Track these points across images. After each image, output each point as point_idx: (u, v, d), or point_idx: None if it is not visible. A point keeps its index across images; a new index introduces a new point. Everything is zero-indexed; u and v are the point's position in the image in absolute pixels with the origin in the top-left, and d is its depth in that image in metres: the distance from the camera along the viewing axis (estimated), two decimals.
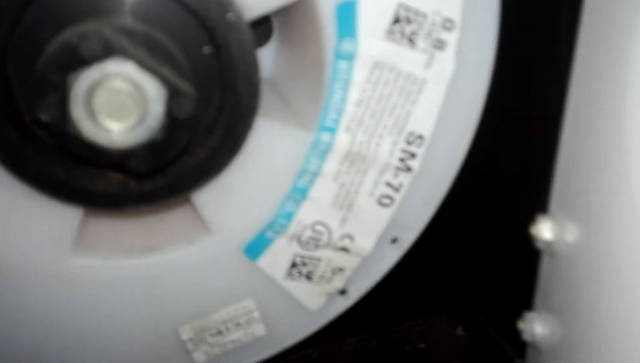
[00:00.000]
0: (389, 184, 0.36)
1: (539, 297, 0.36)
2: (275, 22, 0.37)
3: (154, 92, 0.24)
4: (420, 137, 0.35)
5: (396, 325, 0.62)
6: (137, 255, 0.33)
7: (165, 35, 0.24)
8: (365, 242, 0.38)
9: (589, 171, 0.29)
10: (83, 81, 0.23)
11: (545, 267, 0.35)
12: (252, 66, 0.27)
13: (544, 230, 0.31)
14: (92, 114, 0.24)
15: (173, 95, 0.25)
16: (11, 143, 0.25)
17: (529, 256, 0.37)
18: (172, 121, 0.25)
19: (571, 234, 0.29)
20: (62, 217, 0.29)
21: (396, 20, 0.31)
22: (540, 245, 0.33)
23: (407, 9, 0.31)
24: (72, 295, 0.32)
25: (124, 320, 0.35)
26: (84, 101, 0.23)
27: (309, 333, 0.43)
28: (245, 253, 0.36)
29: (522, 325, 0.35)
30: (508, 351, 0.54)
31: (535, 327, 0.33)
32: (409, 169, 0.36)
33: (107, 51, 0.23)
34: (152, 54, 0.24)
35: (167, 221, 0.34)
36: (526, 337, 0.35)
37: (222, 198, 0.33)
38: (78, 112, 0.23)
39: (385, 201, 0.37)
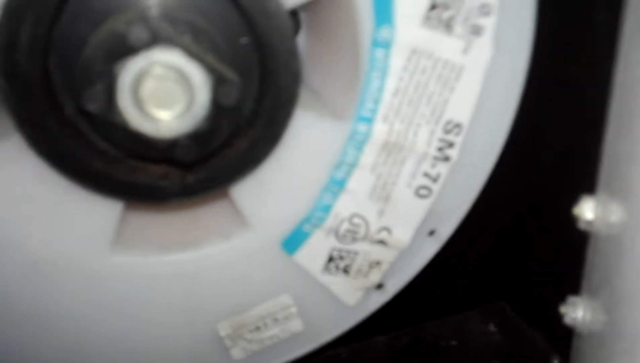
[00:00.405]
0: (426, 175, 0.36)
1: (584, 282, 0.35)
2: (302, 15, 0.36)
3: (200, 80, 0.24)
4: (459, 125, 0.34)
5: (427, 323, 0.61)
6: (175, 250, 0.33)
7: (208, 23, 0.24)
8: (402, 234, 0.38)
9: (636, 152, 0.29)
10: (130, 69, 0.23)
11: (590, 252, 0.34)
12: (293, 54, 0.27)
13: (586, 210, 0.30)
14: (139, 103, 0.23)
15: (219, 82, 0.24)
16: (51, 136, 0.25)
17: (572, 242, 0.37)
18: (218, 110, 0.25)
19: (614, 214, 0.29)
20: (103, 211, 0.29)
21: (433, 6, 0.31)
22: (582, 226, 0.32)
23: None
24: (110, 290, 0.32)
25: (162, 316, 0.35)
26: (130, 90, 0.23)
27: (346, 328, 0.42)
28: (283, 247, 0.36)
29: (563, 309, 0.35)
30: (542, 346, 0.53)
31: (577, 310, 0.33)
32: (447, 158, 0.35)
33: (154, 39, 0.23)
34: (196, 42, 0.24)
35: (204, 216, 0.33)
36: (567, 320, 0.34)
37: (259, 191, 0.32)
38: (125, 102, 0.23)
39: (423, 192, 0.36)
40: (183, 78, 0.24)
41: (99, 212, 0.29)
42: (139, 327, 0.34)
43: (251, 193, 0.32)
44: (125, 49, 0.23)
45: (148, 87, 0.23)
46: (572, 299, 0.34)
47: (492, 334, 0.61)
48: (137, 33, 0.22)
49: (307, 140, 0.32)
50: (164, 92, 0.24)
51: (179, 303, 0.35)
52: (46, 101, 0.24)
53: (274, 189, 0.33)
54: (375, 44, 0.31)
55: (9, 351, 0.31)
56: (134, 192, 0.28)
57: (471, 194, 0.38)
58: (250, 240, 0.34)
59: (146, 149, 0.24)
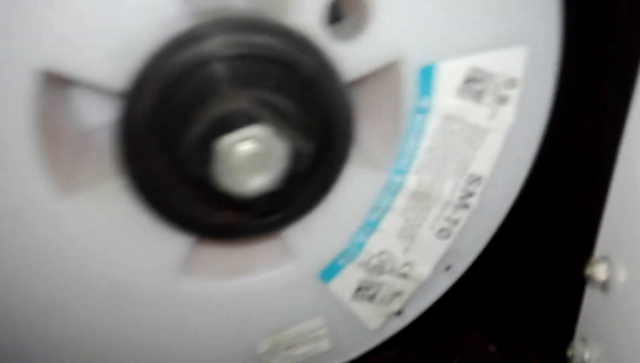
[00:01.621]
0: (448, 219, 0.41)
1: (582, 324, 0.40)
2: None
3: (282, 152, 0.29)
4: (479, 178, 0.39)
5: (432, 340, 0.65)
6: (230, 277, 0.38)
7: (288, 102, 0.29)
8: (423, 269, 0.43)
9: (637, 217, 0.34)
10: (227, 144, 0.28)
11: (590, 298, 0.39)
12: (350, 123, 0.32)
13: (599, 271, 0.35)
14: (231, 170, 0.28)
15: (296, 153, 0.29)
16: (154, 187, 0.30)
17: (567, 285, 0.41)
18: (292, 174, 0.30)
19: (622, 275, 0.34)
20: (178, 245, 0.34)
21: (467, 80, 0.36)
22: (593, 284, 0.37)
23: (477, 70, 0.35)
24: (174, 310, 0.37)
25: (213, 333, 0.40)
26: (225, 160, 0.28)
27: (367, 349, 0.47)
28: (320, 277, 0.41)
29: (570, 352, 0.40)
30: None
31: (585, 353, 0.38)
32: (467, 206, 0.40)
33: (248, 119, 0.28)
34: (280, 119, 0.28)
35: (256, 249, 0.38)
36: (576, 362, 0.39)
37: (305, 230, 0.37)
38: (220, 169, 0.28)
39: (444, 233, 0.41)
40: (268, 150, 0.28)
41: (176, 245, 0.34)
42: (192, 343, 0.39)
43: (298, 231, 0.37)
44: (223, 129, 0.27)
45: (240, 158, 0.28)
46: (577, 343, 0.39)
47: (492, 354, 0.65)
48: (235, 116, 0.27)
49: (351, 188, 0.37)
50: (251, 162, 0.29)
51: (229, 322, 0.39)
52: (158, 162, 0.29)
53: (317, 229, 0.38)
54: (416, 110, 0.36)
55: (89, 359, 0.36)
56: (211, 231, 0.33)
57: (486, 236, 0.43)
58: (293, 270, 0.39)
59: (230, 202, 0.29)
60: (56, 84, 0.28)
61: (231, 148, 0.28)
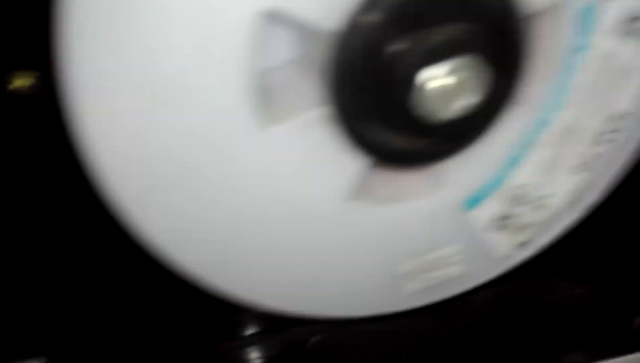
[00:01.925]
0: (589, 154, 0.43)
1: None
2: None
3: (479, 82, 0.32)
4: (625, 115, 0.41)
5: (524, 282, 0.67)
6: (385, 204, 0.42)
7: (490, 35, 0.32)
8: (557, 202, 0.45)
9: None
10: (430, 74, 0.31)
11: None
12: (524, 59, 0.35)
13: None
14: (432, 98, 0.32)
15: (489, 85, 0.32)
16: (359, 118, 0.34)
17: None
18: (481, 105, 0.33)
19: None
20: (358, 171, 0.38)
21: (626, 20, 0.37)
22: None
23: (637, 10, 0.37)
24: (338, 233, 0.41)
25: (363, 254, 0.44)
26: (427, 89, 0.31)
27: (493, 276, 0.50)
28: (462, 206, 0.44)
29: None
30: None
31: None
32: (610, 141, 0.42)
33: (453, 51, 0.31)
34: (482, 52, 0.31)
35: (410, 176, 0.42)
36: None
37: (459, 161, 0.40)
38: (422, 97, 0.31)
39: (583, 167, 0.44)
40: (469, 81, 0.32)
41: (355, 172, 0.37)
42: (349, 259, 0.43)
43: (453, 162, 0.40)
44: (430, 59, 0.31)
45: (441, 87, 0.31)
46: None
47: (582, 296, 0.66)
48: (441, 46, 0.30)
49: (504, 123, 0.39)
50: (452, 91, 0.32)
51: (379, 245, 0.43)
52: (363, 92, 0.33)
53: (469, 161, 0.41)
54: (573, 49, 0.38)
55: (262, 278, 0.41)
56: (392, 156, 0.37)
57: (620, 172, 0.45)
58: (440, 199, 0.43)
59: (422, 129, 0.33)
60: (270, 22, 0.32)
61: (435, 77, 0.31)
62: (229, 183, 0.38)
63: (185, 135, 0.35)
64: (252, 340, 0.55)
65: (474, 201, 0.44)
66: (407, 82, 0.31)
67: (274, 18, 0.32)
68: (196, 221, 0.40)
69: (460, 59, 0.31)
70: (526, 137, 0.41)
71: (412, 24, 0.31)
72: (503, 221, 0.46)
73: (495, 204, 0.45)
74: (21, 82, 0.40)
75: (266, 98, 0.34)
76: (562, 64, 0.38)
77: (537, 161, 0.43)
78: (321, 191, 0.39)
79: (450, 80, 0.31)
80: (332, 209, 0.40)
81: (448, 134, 0.34)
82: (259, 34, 0.32)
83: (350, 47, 0.32)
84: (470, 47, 0.32)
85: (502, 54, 0.34)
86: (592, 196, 0.47)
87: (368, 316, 0.48)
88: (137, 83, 0.33)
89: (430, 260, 0.47)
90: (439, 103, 0.32)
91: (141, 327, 0.53)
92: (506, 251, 0.48)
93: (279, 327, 0.54)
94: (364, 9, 0.31)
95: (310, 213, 0.40)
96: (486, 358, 0.55)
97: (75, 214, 0.47)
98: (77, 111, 0.33)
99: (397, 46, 0.31)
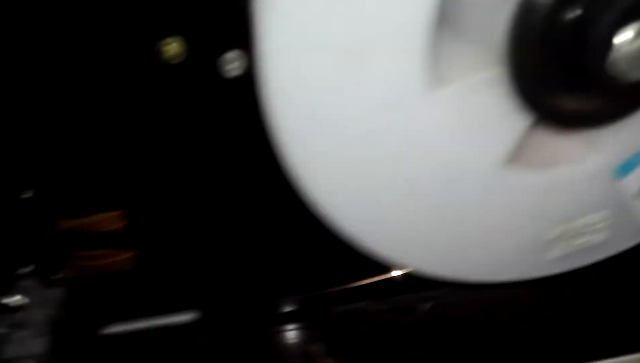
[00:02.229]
0: None
1: None
2: None
3: None
4: None
5: None
6: (541, 168, 0.43)
7: None
8: None
9: None
10: (627, 35, 0.32)
11: None
12: None
13: None
14: (624, 60, 0.33)
15: None
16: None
17: None
18: None
19: None
20: (521, 133, 0.39)
21: None
22: None
23: None
24: (493, 197, 0.43)
25: (515, 219, 0.45)
26: (623, 50, 0.33)
27: (633, 244, 0.51)
28: (615, 172, 0.45)
29: None
30: None
31: None
32: None
33: None
34: None
35: (566, 141, 0.43)
36: None
37: (616, 128, 0.41)
38: (614, 59, 0.33)
39: None
40: None
41: (516, 132, 0.39)
42: (502, 222, 0.45)
43: (612, 128, 0.41)
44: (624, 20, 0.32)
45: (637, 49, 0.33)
46: None
47: None
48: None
49: None
50: None
51: (531, 209, 0.45)
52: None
53: (625, 128, 0.42)
54: None
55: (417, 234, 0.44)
56: (561, 118, 0.38)
57: None
58: (594, 164, 0.44)
59: (612, 90, 0.34)
60: None
61: (630, 39, 0.32)
62: (396, 145, 0.40)
63: (362, 98, 0.38)
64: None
65: (625, 168, 0.45)
66: (602, 44, 0.33)
67: None
68: (359, 183, 0.43)
69: None
70: None
71: None
72: None
73: None
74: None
75: (438, 60, 0.36)
76: None
77: None
78: (481, 154, 0.41)
79: None
80: (488, 173, 0.42)
81: (633, 95, 0.35)
82: None
83: (534, 7, 0.33)
84: None
85: None
86: None
87: (489, 283, 0.49)
88: (326, 45, 0.36)
89: (578, 226, 0.48)
90: (633, 64, 0.33)
91: (290, 286, 0.57)
92: None
93: (389, 294, 0.57)
94: None
95: (467, 175, 0.42)
96: (597, 336, 0.54)
97: (251, 178, 0.50)
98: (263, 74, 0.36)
99: (589, 8, 0.33)
